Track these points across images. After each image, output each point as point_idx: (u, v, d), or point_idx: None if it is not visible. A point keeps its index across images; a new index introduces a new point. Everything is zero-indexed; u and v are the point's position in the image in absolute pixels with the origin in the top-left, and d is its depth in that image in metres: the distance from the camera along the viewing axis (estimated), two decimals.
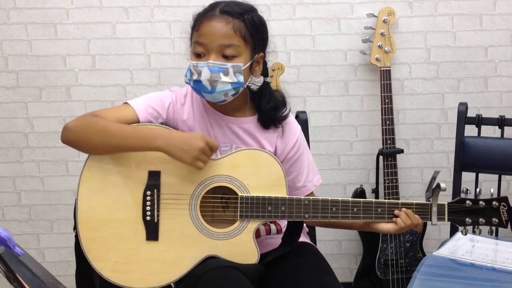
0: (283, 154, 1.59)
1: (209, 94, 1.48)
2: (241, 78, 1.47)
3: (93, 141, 1.43)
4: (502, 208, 1.47)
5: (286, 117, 1.60)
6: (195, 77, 1.47)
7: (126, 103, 1.52)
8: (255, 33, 1.49)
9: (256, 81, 1.54)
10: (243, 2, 1.53)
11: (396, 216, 1.49)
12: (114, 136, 1.42)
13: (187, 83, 1.51)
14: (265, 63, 1.58)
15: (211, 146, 1.42)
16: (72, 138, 1.45)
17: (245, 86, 1.51)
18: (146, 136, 1.42)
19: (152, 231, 1.45)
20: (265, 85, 1.58)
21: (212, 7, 1.49)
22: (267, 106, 1.56)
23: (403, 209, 1.48)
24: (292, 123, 1.62)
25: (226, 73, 1.46)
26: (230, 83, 1.47)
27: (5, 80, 2.56)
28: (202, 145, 1.40)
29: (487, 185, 2.53)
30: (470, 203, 1.48)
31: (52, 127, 2.58)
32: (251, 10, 1.51)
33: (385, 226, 1.50)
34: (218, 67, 1.45)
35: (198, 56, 1.48)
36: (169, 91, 1.58)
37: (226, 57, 1.46)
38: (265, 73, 1.58)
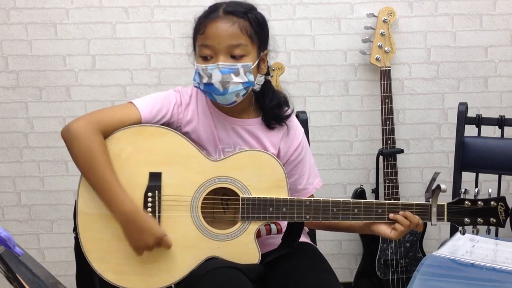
0: (286, 156, 1.59)
1: (221, 96, 1.47)
2: (251, 77, 1.48)
3: (77, 160, 1.43)
4: (500, 208, 1.49)
5: (289, 116, 1.60)
6: (205, 80, 1.46)
7: (130, 102, 1.51)
8: (260, 31, 1.50)
9: (259, 81, 1.54)
10: (243, 1, 1.53)
11: (393, 222, 1.49)
12: (93, 176, 1.42)
13: (196, 87, 1.51)
14: (267, 61, 1.57)
15: (162, 245, 1.43)
16: (66, 141, 1.45)
17: (255, 84, 1.51)
18: (114, 202, 1.41)
19: None
20: (267, 83, 1.58)
21: (214, 8, 1.49)
22: (270, 104, 1.57)
23: (400, 212, 1.48)
24: (296, 125, 1.63)
25: (237, 74, 1.45)
26: (241, 83, 1.46)
27: (5, 80, 2.55)
28: (150, 244, 1.41)
29: (487, 185, 2.54)
30: (469, 203, 1.49)
31: (52, 127, 2.58)
32: (252, 8, 1.52)
33: (386, 231, 1.50)
34: (228, 68, 1.45)
35: (205, 59, 1.47)
36: (174, 91, 1.58)
37: (234, 57, 1.46)
38: (266, 71, 1.58)
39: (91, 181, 1.43)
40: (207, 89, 1.47)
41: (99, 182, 1.42)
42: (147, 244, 1.41)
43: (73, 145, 1.43)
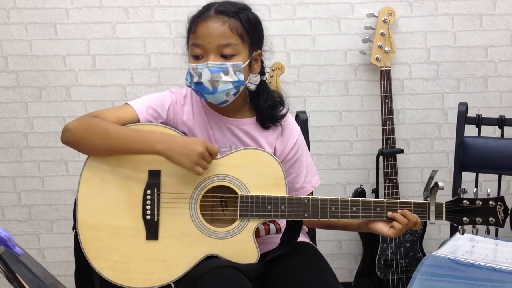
0: (282, 155, 1.59)
1: (211, 95, 1.48)
2: (241, 77, 1.48)
3: (93, 142, 1.43)
4: (499, 208, 1.49)
5: (284, 115, 1.60)
6: (195, 79, 1.47)
7: (126, 103, 1.52)
8: (252, 31, 1.50)
9: (254, 80, 1.54)
10: (237, 1, 1.53)
11: (391, 220, 1.49)
12: (114, 138, 1.42)
13: (188, 86, 1.52)
14: (261, 61, 1.58)
15: (211, 151, 1.42)
16: (73, 139, 1.45)
17: (246, 84, 1.51)
18: (146, 140, 1.42)
19: (152, 230, 1.45)
20: (262, 83, 1.58)
21: (206, 8, 1.50)
22: (265, 105, 1.57)
23: (399, 210, 1.49)
24: (291, 124, 1.62)
25: (227, 73, 1.46)
26: (231, 82, 1.47)
27: (5, 80, 2.56)
28: (202, 150, 1.40)
29: (487, 185, 2.54)
30: (468, 202, 1.49)
31: (52, 127, 2.58)
32: (245, 8, 1.52)
33: (384, 230, 1.50)
34: (218, 67, 1.45)
35: (196, 58, 1.48)
36: (169, 92, 1.59)
37: (225, 57, 1.46)
38: (262, 71, 1.58)
39: (116, 147, 1.43)
40: (198, 88, 1.48)
41: (123, 141, 1.42)
42: (199, 152, 1.38)
43: (79, 135, 1.44)
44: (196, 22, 1.48)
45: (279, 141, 1.59)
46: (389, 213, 1.49)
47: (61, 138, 1.47)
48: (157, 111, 1.52)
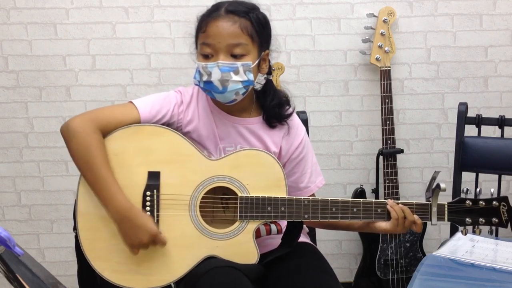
0: (287, 155, 1.59)
1: (221, 94, 1.48)
2: (251, 76, 1.48)
3: (74, 156, 1.44)
4: (502, 208, 1.47)
5: (290, 115, 1.60)
6: (205, 78, 1.47)
7: (130, 102, 1.51)
8: (261, 31, 1.51)
9: (260, 80, 1.55)
10: (245, 1, 1.54)
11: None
12: (90, 174, 1.42)
13: (196, 85, 1.52)
14: (269, 61, 1.58)
15: (157, 243, 1.43)
16: (66, 139, 1.45)
17: (255, 83, 1.52)
18: (109, 200, 1.41)
19: None
20: (268, 82, 1.59)
21: (216, 7, 1.50)
22: (271, 103, 1.57)
23: (400, 204, 1.48)
24: (297, 124, 1.63)
25: (237, 72, 1.46)
26: (241, 81, 1.47)
27: (5, 80, 2.56)
28: (145, 242, 1.41)
29: (487, 185, 2.52)
30: (470, 203, 1.48)
31: (52, 127, 2.58)
32: (255, 8, 1.53)
33: (383, 225, 1.50)
34: (228, 67, 1.45)
35: (206, 57, 1.48)
36: (175, 91, 1.58)
37: (235, 56, 1.46)
38: (268, 71, 1.58)
39: (87, 178, 1.44)
40: (207, 87, 1.48)
41: (96, 179, 1.42)
42: (141, 242, 1.41)
43: (71, 142, 1.44)
44: (206, 21, 1.48)
45: (285, 140, 1.59)
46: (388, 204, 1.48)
47: (60, 129, 1.47)
48: (160, 111, 1.51)
